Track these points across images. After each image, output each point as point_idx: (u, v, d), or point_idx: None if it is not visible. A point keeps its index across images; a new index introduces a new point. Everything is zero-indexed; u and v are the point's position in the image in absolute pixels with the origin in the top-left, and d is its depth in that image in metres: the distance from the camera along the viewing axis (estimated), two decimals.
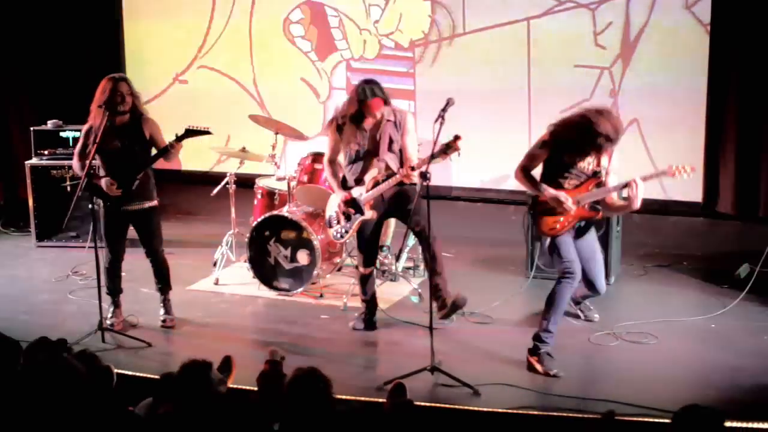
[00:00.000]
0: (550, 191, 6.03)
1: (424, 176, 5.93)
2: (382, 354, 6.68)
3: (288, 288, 7.57)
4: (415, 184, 6.43)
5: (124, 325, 6.92)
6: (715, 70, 8.52)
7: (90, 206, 6.54)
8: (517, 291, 7.33)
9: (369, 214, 6.61)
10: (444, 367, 5.96)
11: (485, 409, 5.51)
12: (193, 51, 10.31)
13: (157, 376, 5.16)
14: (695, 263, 8.24)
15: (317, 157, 7.69)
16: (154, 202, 6.84)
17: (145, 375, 5.92)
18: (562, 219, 6.10)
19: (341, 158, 6.76)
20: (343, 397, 5.25)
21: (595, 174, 6.05)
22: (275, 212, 7.63)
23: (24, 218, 9.29)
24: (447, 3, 9.28)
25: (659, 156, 8.67)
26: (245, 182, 8.36)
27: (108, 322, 6.78)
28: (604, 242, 7.48)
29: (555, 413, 5.47)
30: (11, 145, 10.22)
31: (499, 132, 9.17)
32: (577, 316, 6.90)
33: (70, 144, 8.91)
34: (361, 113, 6.49)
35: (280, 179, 7.98)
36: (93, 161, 6.57)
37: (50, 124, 9.13)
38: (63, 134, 9.07)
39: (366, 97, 6.42)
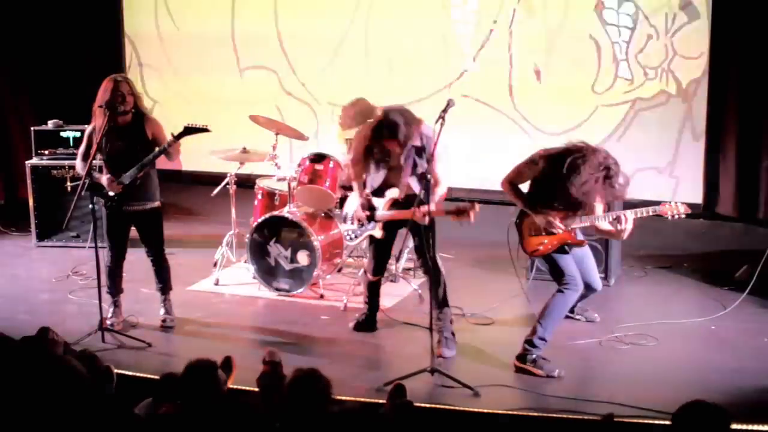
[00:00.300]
0: (540, 212, 5.99)
1: (423, 177, 5.91)
2: (382, 355, 6.68)
3: (288, 288, 7.58)
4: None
5: (125, 325, 6.92)
6: (715, 70, 8.51)
7: (90, 206, 6.53)
8: (517, 293, 7.32)
9: (378, 233, 6.54)
10: (444, 368, 5.97)
11: (485, 411, 5.51)
12: None
13: (157, 377, 5.16)
14: (695, 265, 8.25)
15: (318, 157, 7.68)
16: (157, 203, 6.84)
17: (145, 375, 5.91)
18: (546, 241, 6.09)
19: None
20: (343, 397, 5.25)
21: None
22: (276, 213, 7.63)
23: (24, 218, 9.29)
24: None
25: (660, 157, 8.68)
26: (246, 183, 8.36)
27: (108, 322, 6.78)
28: (604, 244, 7.50)
29: (554, 415, 5.47)
30: (12, 144, 10.22)
31: (499, 132, 9.17)
32: (576, 320, 6.90)
33: (71, 144, 8.92)
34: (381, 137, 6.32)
35: (280, 180, 7.98)
36: (95, 161, 6.57)
37: (51, 124, 9.14)
38: (63, 134, 9.08)
39: (381, 137, 6.27)
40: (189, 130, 6.62)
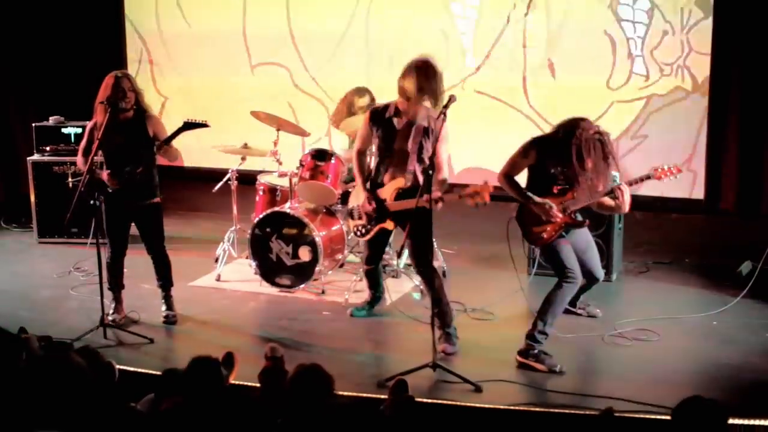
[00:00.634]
0: (536, 200, 6.01)
1: (426, 172, 5.91)
2: (384, 350, 6.68)
3: (290, 284, 7.58)
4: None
5: (126, 321, 6.92)
6: (717, 66, 8.51)
7: (92, 202, 6.53)
8: (519, 288, 7.32)
9: (388, 224, 6.52)
10: (445, 363, 5.97)
11: (486, 406, 5.51)
12: None
13: (158, 372, 5.17)
14: (697, 260, 8.25)
15: (319, 153, 7.68)
16: (157, 199, 6.84)
17: (146, 371, 5.92)
18: (548, 228, 6.09)
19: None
20: (345, 393, 5.26)
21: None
22: (277, 209, 7.63)
23: (26, 214, 9.30)
24: None
25: (661, 154, 8.66)
26: (247, 179, 8.36)
27: (110, 318, 6.78)
28: (606, 239, 7.51)
29: (555, 410, 5.47)
30: (13, 141, 10.23)
31: (502, 127, 9.16)
32: (578, 314, 6.90)
33: (72, 140, 8.92)
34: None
35: (282, 175, 7.98)
36: (96, 158, 6.57)
37: (52, 121, 9.13)
38: (65, 130, 9.07)
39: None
40: (188, 126, 6.62)
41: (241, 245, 8.13)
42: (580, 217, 6.13)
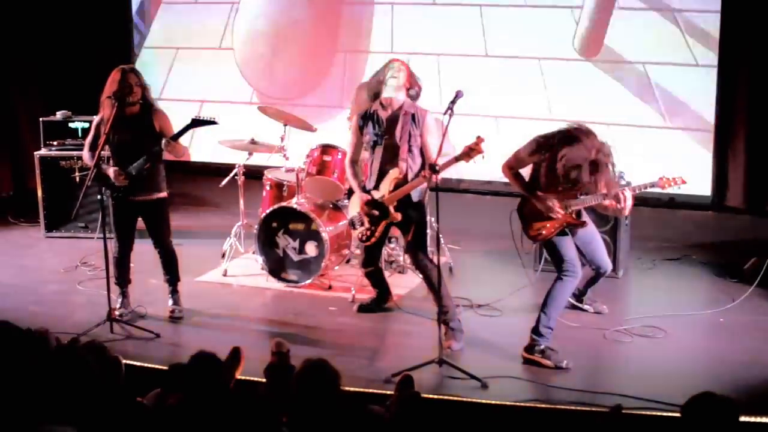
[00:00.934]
0: (539, 195, 6.00)
1: (433, 169, 5.91)
2: (390, 346, 6.68)
3: (296, 279, 7.58)
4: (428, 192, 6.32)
5: (133, 316, 6.93)
6: (724, 62, 8.49)
7: (99, 197, 6.54)
8: (525, 284, 7.32)
9: (395, 216, 6.49)
10: (452, 359, 5.97)
11: (493, 402, 5.51)
12: None
13: (165, 367, 5.17)
14: (704, 257, 8.23)
15: (326, 148, 7.69)
16: (164, 194, 6.84)
17: (153, 366, 5.93)
18: (548, 225, 6.07)
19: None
20: (351, 389, 5.26)
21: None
22: (284, 204, 7.63)
23: (33, 209, 9.31)
24: None
25: (668, 151, 8.66)
26: (254, 173, 8.37)
27: (117, 312, 6.79)
28: (613, 236, 7.50)
29: (563, 406, 5.47)
30: (20, 135, 10.25)
31: (509, 123, 9.15)
32: (585, 311, 6.89)
33: (79, 135, 8.93)
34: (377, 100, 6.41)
35: (288, 171, 7.98)
36: (102, 152, 6.57)
37: (59, 115, 9.14)
38: (72, 125, 9.08)
39: (390, 60, 6.39)
40: (196, 123, 6.63)
41: (247, 240, 8.13)
42: (582, 217, 6.12)
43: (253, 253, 7.79)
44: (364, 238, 6.67)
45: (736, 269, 7.65)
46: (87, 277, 7.83)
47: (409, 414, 4.76)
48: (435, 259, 6.30)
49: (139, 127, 6.63)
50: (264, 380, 5.11)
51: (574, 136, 5.79)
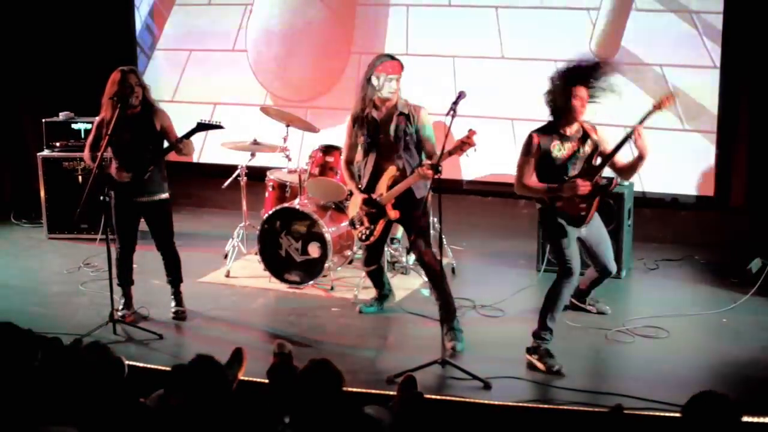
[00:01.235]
0: (559, 187, 5.96)
1: (435, 168, 5.92)
2: (393, 347, 6.68)
3: (299, 280, 7.58)
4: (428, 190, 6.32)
5: (136, 317, 6.93)
6: (727, 63, 8.47)
7: (101, 198, 6.54)
8: (528, 284, 7.31)
9: (392, 213, 6.51)
10: (454, 360, 5.97)
11: (496, 403, 5.51)
12: None
13: (168, 368, 5.17)
14: (707, 257, 8.23)
15: (328, 149, 7.70)
16: (166, 195, 6.84)
17: (156, 367, 5.93)
18: (584, 205, 6.01)
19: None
20: (354, 389, 5.26)
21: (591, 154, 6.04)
22: (286, 205, 7.64)
23: (36, 210, 9.32)
24: None
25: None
26: (256, 174, 8.37)
27: (119, 314, 6.80)
28: (616, 236, 7.47)
29: (565, 407, 5.47)
30: (23, 136, 10.24)
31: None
32: (588, 311, 6.89)
33: (82, 136, 8.93)
34: (372, 102, 6.40)
35: (291, 172, 7.99)
36: (105, 153, 6.58)
37: (62, 116, 9.16)
38: (75, 126, 9.10)
39: (382, 60, 6.33)
40: (202, 127, 6.64)
41: (250, 241, 8.13)
42: (605, 181, 6.09)
43: (256, 254, 7.79)
44: (363, 237, 6.68)
45: (739, 270, 7.65)
46: (90, 279, 7.84)
47: (411, 415, 4.77)
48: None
49: (140, 128, 6.64)
50: (266, 381, 5.11)
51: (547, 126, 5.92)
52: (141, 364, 5.92)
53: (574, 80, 5.97)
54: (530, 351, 6.07)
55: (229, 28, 10.25)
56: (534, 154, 6.00)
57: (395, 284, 7.29)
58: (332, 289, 7.55)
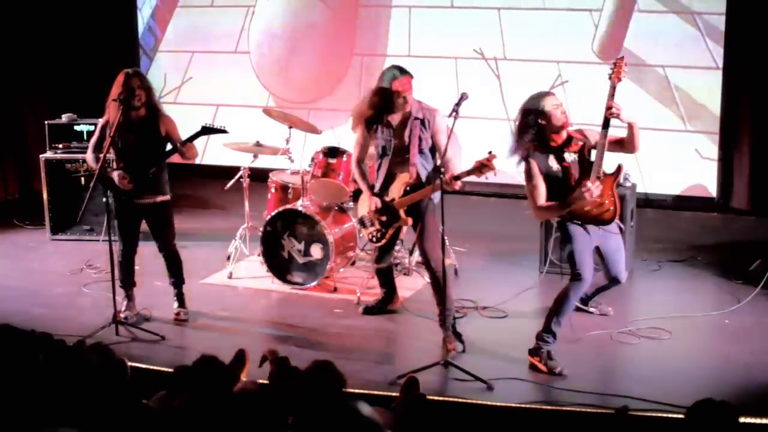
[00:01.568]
0: (572, 198, 5.88)
1: (437, 170, 5.91)
2: (395, 348, 6.69)
3: (301, 282, 7.59)
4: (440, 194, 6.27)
5: (138, 318, 6.93)
6: (729, 64, 8.47)
7: (104, 199, 6.55)
8: (530, 286, 7.31)
9: (407, 221, 6.48)
10: (457, 361, 5.97)
11: (498, 404, 5.51)
12: None
13: (170, 369, 5.17)
14: (709, 259, 8.22)
15: (331, 151, 7.70)
16: (167, 197, 6.84)
17: (158, 368, 5.93)
18: (605, 201, 5.96)
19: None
20: (356, 391, 5.25)
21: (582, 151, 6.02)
22: (289, 206, 7.64)
23: (38, 211, 9.32)
24: None
25: (674, 153, 8.64)
26: (259, 176, 8.37)
27: (122, 315, 6.80)
28: None
29: (568, 408, 5.46)
30: (26, 138, 10.26)
31: (512, 125, 9.11)
32: (590, 313, 6.88)
33: (85, 138, 8.93)
34: (388, 105, 6.34)
35: (294, 173, 7.99)
36: (107, 155, 6.58)
37: (65, 118, 9.16)
38: (77, 128, 9.10)
39: (394, 76, 6.29)
40: (206, 130, 6.65)
41: (253, 243, 8.14)
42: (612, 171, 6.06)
43: (258, 255, 7.79)
44: (374, 239, 6.68)
45: (741, 271, 7.65)
46: (92, 280, 7.84)
47: (414, 416, 4.76)
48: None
49: (145, 131, 6.64)
50: (268, 382, 5.11)
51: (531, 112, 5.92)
52: (144, 366, 5.93)
53: (539, 97, 5.93)
54: (532, 352, 6.07)
55: (231, 30, 10.26)
56: (537, 177, 5.96)
57: (398, 285, 7.28)
58: (335, 290, 7.55)
